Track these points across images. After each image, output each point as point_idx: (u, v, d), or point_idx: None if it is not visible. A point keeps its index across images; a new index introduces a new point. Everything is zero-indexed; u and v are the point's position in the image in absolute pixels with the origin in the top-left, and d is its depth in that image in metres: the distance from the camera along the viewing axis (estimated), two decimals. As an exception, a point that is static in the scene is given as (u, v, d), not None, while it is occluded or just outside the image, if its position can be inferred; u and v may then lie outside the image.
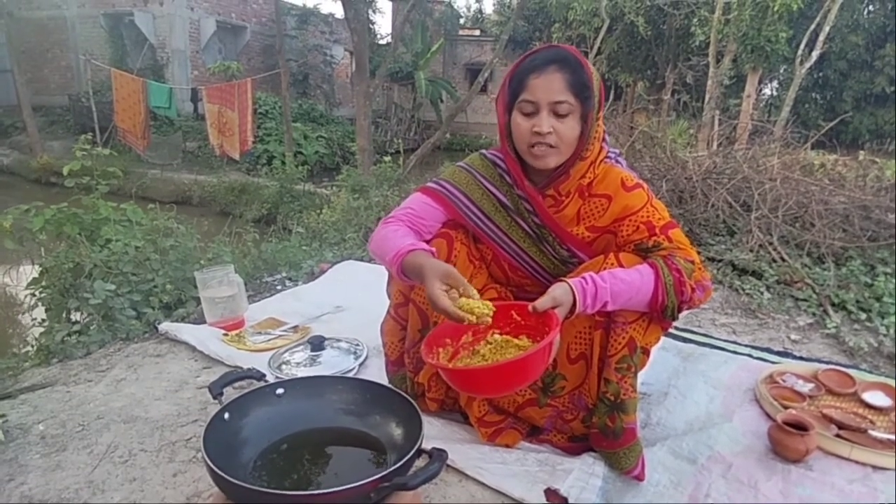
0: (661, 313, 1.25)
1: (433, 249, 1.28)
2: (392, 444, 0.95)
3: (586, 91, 1.23)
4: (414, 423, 0.92)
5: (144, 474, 1.30)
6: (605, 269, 1.25)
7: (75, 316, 2.41)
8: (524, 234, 1.39)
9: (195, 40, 13.58)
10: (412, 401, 0.96)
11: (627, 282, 1.21)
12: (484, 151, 1.47)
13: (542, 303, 1.14)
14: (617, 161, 1.39)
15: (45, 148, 10.93)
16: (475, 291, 1.14)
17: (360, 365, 1.78)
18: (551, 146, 1.25)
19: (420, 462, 0.85)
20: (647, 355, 1.34)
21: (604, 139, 1.34)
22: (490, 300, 1.42)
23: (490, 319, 1.12)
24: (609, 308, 1.21)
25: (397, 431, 0.96)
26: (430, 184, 1.47)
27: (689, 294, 1.23)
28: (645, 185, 1.34)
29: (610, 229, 1.33)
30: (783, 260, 2.65)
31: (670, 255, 1.25)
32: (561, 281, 1.20)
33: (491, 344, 1.19)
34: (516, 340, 1.18)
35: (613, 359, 1.28)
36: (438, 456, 0.79)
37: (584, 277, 1.20)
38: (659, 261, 1.24)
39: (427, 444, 0.97)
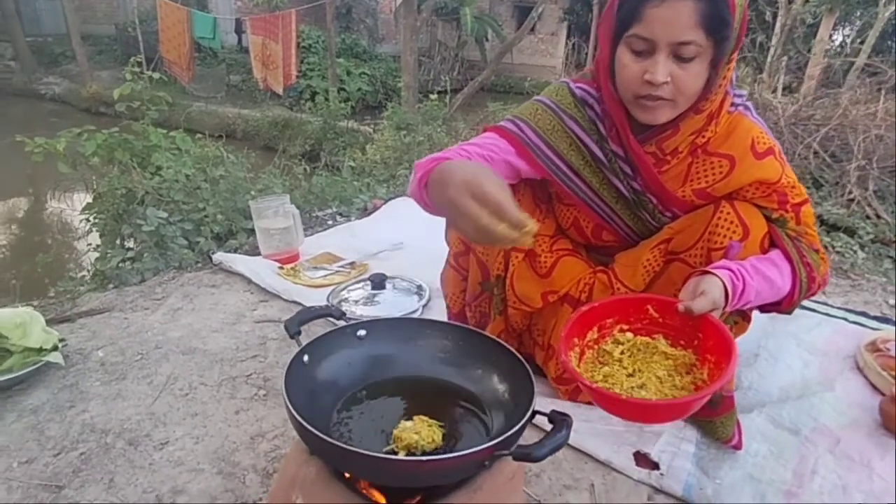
0: (784, 311, 1.09)
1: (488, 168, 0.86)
2: (494, 402, 0.82)
3: (725, 29, 0.91)
4: (520, 378, 0.79)
5: (206, 409, 1.24)
6: (717, 221, 1.05)
7: (128, 243, 2.39)
8: (618, 196, 1.15)
9: (238, -31, 13.22)
10: (516, 353, 0.84)
11: (771, 280, 1.01)
12: (570, 83, 1.16)
13: (700, 306, 0.88)
14: (745, 108, 1.09)
15: (94, 77, 10.97)
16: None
17: (424, 307, 1.68)
18: (665, 99, 0.96)
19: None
20: (748, 322, 1.17)
21: (731, 82, 1.04)
22: (563, 250, 1.25)
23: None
24: (747, 307, 1.03)
25: (501, 387, 0.83)
26: (504, 123, 1.16)
27: (814, 289, 1.08)
28: (777, 147, 1.07)
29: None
30: (878, 217, 2.40)
31: (797, 239, 1.06)
32: (712, 275, 0.94)
33: (622, 344, 0.94)
34: (661, 345, 0.94)
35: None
36: (563, 421, 0.66)
37: (732, 271, 0.96)
38: (793, 251, 1.04)
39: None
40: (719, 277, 0.94)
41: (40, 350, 1.33)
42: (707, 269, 0.97)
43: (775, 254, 1.06)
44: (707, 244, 1.07)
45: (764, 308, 1.10)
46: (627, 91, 1.00)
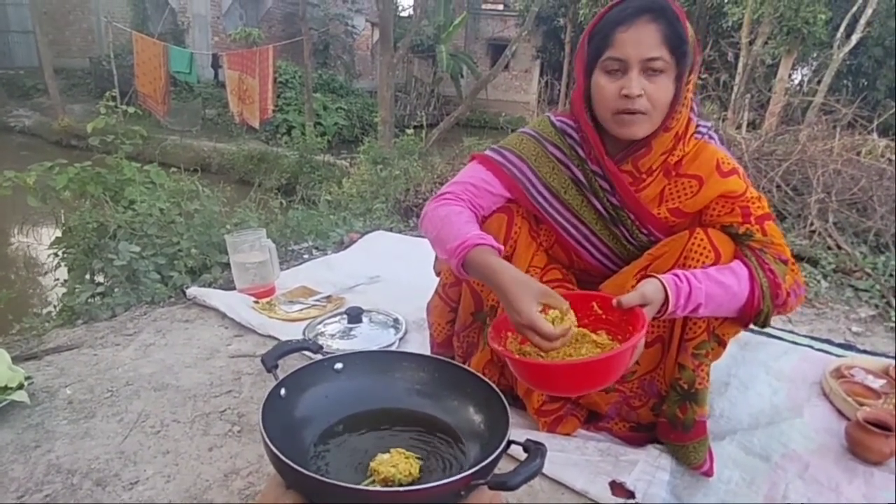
0: (752, 320, 1.13)
1: (502, 247, 1.10)
2: (471, 433, 0.83)
3: (684, 46, 1.06)
4: (495, 409, 0.80)
5: (178, 447, 1.21)
6: (691, 247, 1.13)
7: (99, 277, 2.34)
8: (597, 215, 1.24)
9: (216, 6, 13.38)
10: (491, 383, 0.85)
11: (724, 285, 1.07)
12: (552, 116, 1.28)
13: (628, 299, 1.02)
14: (710, 137, 1.20)
15: (66, 111, 10.87)
16: (569, 309, 1.00)
17: (401, 340, 1.68)
18: (642, 112, 1.08)
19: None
20: (723, 347, 1.21)
21: (692, 109, 1.17)
22: (553, 281, 1.30)
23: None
24: (701, 312, 1.08)
25: (476, 418, 0.85)
26: (489, 152, 1.29)
27: (783, 298, 1.11)
28: (741, 170, 1.17)
29: (697, 216, 1.18)
30: (839, 247, 2.50)
31: (762, 250, 1.12)
32: (652, 276, 1.07)
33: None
34: (594, 336, 1.04)
35: (691, 343, 1.16)
36: (537, 450, 0.67)
37: (677, 275, 1.06)
38: (752, 259, 1.11)
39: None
40: (658, 278, 1.05)
41: (5, 388, 1.29)
42: (651, 273, 1.08)
43: (734, 263, 1.12)
44: (682, 267, 1.13)
45: (738, 321, 1.16)
46: (605, 109, 1.11)
